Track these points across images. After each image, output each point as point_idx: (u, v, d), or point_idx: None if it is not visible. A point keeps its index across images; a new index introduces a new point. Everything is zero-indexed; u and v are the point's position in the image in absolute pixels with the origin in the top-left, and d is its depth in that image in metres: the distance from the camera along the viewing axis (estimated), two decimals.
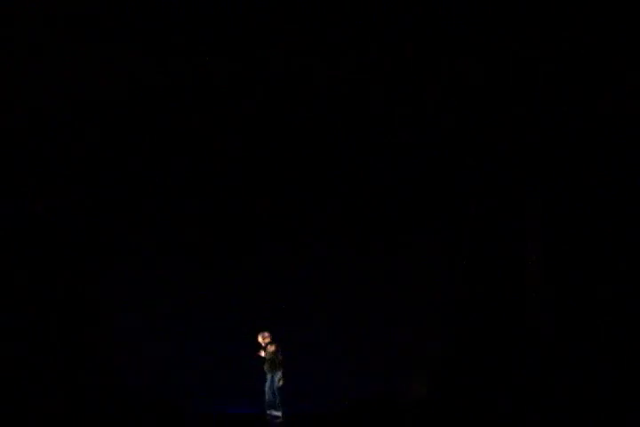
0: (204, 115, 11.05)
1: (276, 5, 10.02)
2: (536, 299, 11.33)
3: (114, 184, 11.91)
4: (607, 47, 9.71)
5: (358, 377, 12.20)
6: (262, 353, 11.21)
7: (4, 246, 11.35)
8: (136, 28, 10.32)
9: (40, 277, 11.67)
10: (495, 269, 11.76)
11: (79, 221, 12.05)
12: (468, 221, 12.03)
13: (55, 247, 11.80)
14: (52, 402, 11.38)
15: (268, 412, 10.98)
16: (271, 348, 11.12)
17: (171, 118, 11.12)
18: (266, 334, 11.26)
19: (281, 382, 10.95)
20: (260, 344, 11.28)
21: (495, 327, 11.55)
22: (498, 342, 11.47)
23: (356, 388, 12.11)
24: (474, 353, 11.62)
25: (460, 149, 11.41)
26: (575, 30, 9.69)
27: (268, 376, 11.08)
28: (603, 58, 9.91)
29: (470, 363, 11.57)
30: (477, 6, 9.62)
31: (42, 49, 10.28)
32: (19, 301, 11.54)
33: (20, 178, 11.27)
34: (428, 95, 10.75)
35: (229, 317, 12.40)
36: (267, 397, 10.97)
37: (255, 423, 11.06)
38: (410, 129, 11.22)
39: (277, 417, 10.90)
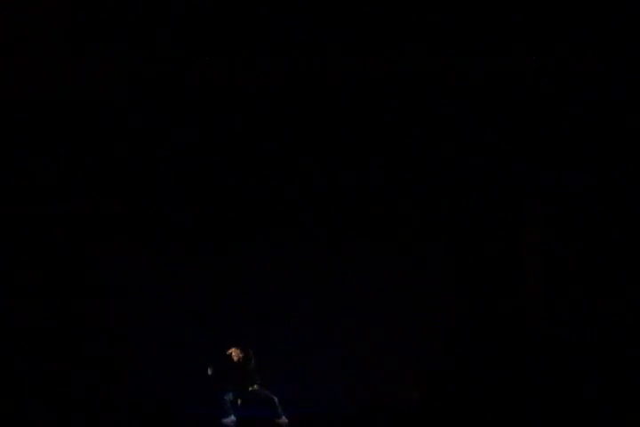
0: (201, 112, 11.06)
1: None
2: (536, 302, 11.33)
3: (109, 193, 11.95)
4: (607, 49, 9.70)
5: (356, 380, 12.15)
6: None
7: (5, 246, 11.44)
8: (135, 28, 10.38)
9: (41, 278, 11.75)
10: (494, 273, 11.78)
11: (82, 224, 12.12)
12: (468, 225, 12.02)
13: (56, 248, 11.87)
14: (52, 402, 11.39)
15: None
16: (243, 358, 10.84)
17: (168, 117, 11.13)
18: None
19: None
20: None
21: (494, 331, 11.53)
22: (497, 345, 11.45)
23: (354, 391, 12.07)
24: (472, 356, 11.61)
25: (459, 153, 11.38)
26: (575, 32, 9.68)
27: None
28: (603, 64, 9.90)
29: (469, 366, 11.54)
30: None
31: (41, 49, 10.33)
32: (19, 302, 11.62)
33: (20, 177, 11.35)
34: (429, 98, 10.74)
35: (230, 317, 12.35)
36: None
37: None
38: (411, 135, 11.21)
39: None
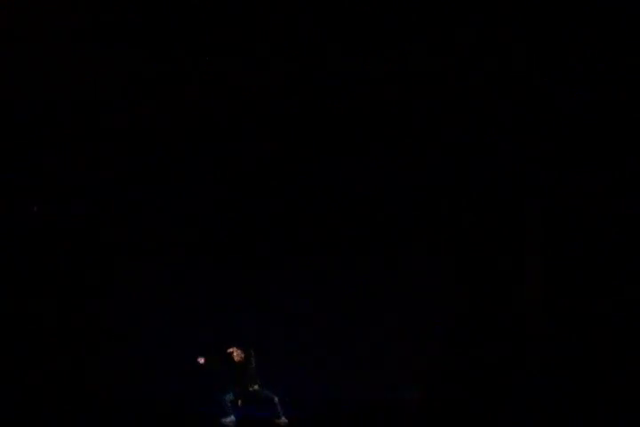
0: (203, 114, 11.05)
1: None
2: (536, 302, 11.31)
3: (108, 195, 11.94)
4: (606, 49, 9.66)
5: (352, 380, 12.17)
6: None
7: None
8: (136, 28, 10.34)
9: (39, 278, 11.76)
10: (495, 273, 11.77)
11: (81, 225, 12.13)
12: (467, 227, 12.03)
13: (55, 248, 11.89)
14: (52, 402, 11.41)
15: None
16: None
17: (169, 117, 11.13)
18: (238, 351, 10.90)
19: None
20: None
21: (494, 331, 11.53)
22: (497, 345, 11.45)
23: (350, 390, 12.06)
24: (469, 357, 11.61)
25: (460, 153, 11.35)
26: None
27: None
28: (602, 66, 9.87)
29: (466, 367, 11.54)
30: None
31: (41, 49, 10.31)
32: (20, 302, 11.64)
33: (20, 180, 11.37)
34: (428, 102, 10.72)
35: (231, 317, 12.37)
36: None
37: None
38: (411, 134, 11.19)
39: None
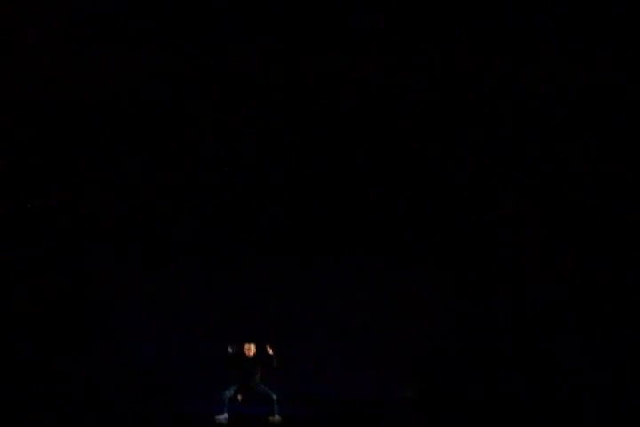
0: (202, 114, 11.11)
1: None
2: (534, 302, 11.29)
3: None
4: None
5: (347, 379, 12.15)
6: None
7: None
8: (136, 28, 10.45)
9: (38, 273, 11.79)
10: (493, 272, 11.76)
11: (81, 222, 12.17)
12: (466, 225, 12.04)
13: (55, 244, 11.93)
14: (50, 401, 11.41)
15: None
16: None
17: (168, 116, 11.19)
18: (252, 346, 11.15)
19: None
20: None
21: (487, 330, 11.50)
22: (490, 344, 11.43)
23: (345, 390, 12.07)
24: (465, 356, 11.57)
25: (457, 153, 11.37)
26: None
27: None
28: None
29: (461, 365, 11.51)
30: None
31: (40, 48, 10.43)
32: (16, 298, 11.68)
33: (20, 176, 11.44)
34: (426, 107, 10.76)
35: (228, 317, 12.38)
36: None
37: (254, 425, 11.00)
38: (409, 134, 11.22)
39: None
